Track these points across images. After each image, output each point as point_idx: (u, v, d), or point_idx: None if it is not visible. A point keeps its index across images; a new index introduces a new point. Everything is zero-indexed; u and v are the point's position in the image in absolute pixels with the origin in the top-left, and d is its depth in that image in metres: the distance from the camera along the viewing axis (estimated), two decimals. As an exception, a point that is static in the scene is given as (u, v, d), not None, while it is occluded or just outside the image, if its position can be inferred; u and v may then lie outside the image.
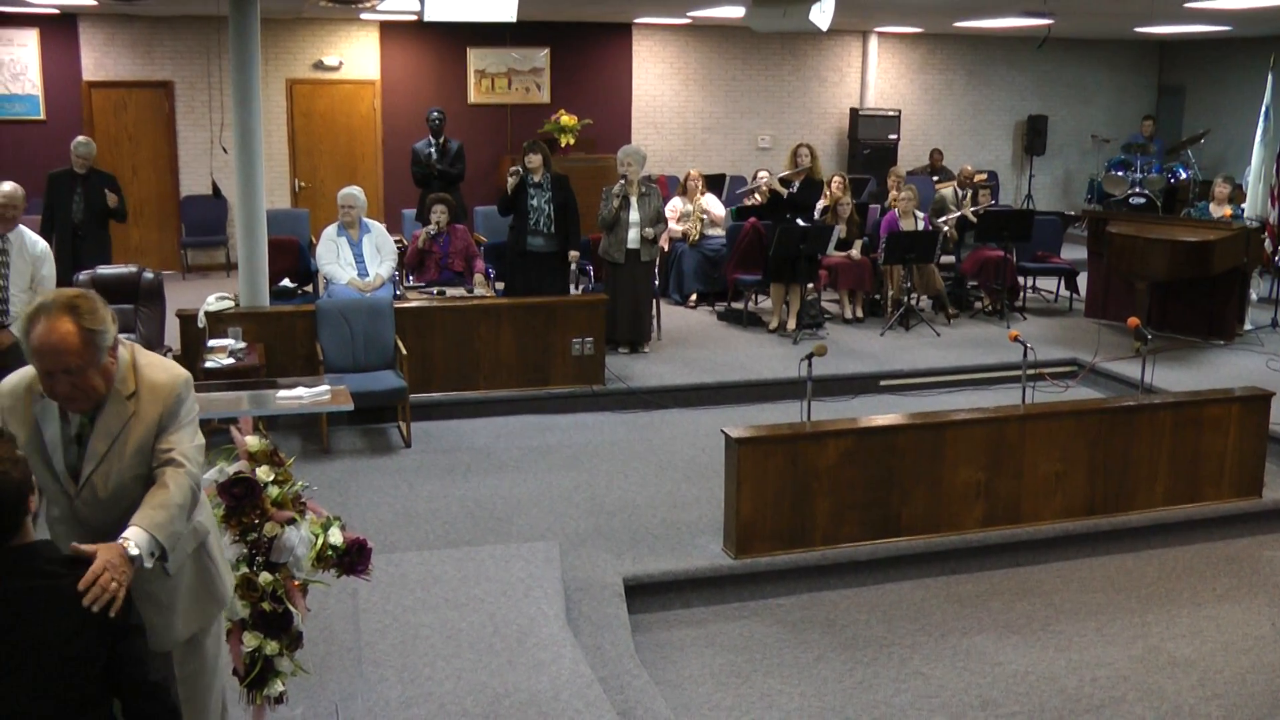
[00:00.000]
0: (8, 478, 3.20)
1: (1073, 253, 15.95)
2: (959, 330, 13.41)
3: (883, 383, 11.51)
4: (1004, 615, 7.25)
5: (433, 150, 13.88)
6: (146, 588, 3.86)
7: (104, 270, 10.37)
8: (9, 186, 8.33)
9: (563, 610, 6.61)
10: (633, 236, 11.83)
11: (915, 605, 7.38)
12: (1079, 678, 6.50)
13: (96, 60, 16.49)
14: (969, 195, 14.79)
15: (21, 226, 8.38)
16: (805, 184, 12.91)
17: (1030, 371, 9.19)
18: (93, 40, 16.41)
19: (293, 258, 12.47)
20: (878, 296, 14.06)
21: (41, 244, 8.45)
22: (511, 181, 11.43)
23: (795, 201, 12.87)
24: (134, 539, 3.54)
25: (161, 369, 3.92)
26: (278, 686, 4.86)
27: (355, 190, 11.24)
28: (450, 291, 11.37)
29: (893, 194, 14.87)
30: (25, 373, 3.86)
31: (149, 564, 3.59)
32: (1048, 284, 15.52)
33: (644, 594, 7.18)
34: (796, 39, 19.21)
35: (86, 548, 3.39)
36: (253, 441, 4.85)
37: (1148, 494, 8.42)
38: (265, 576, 4.69)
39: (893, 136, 19.68)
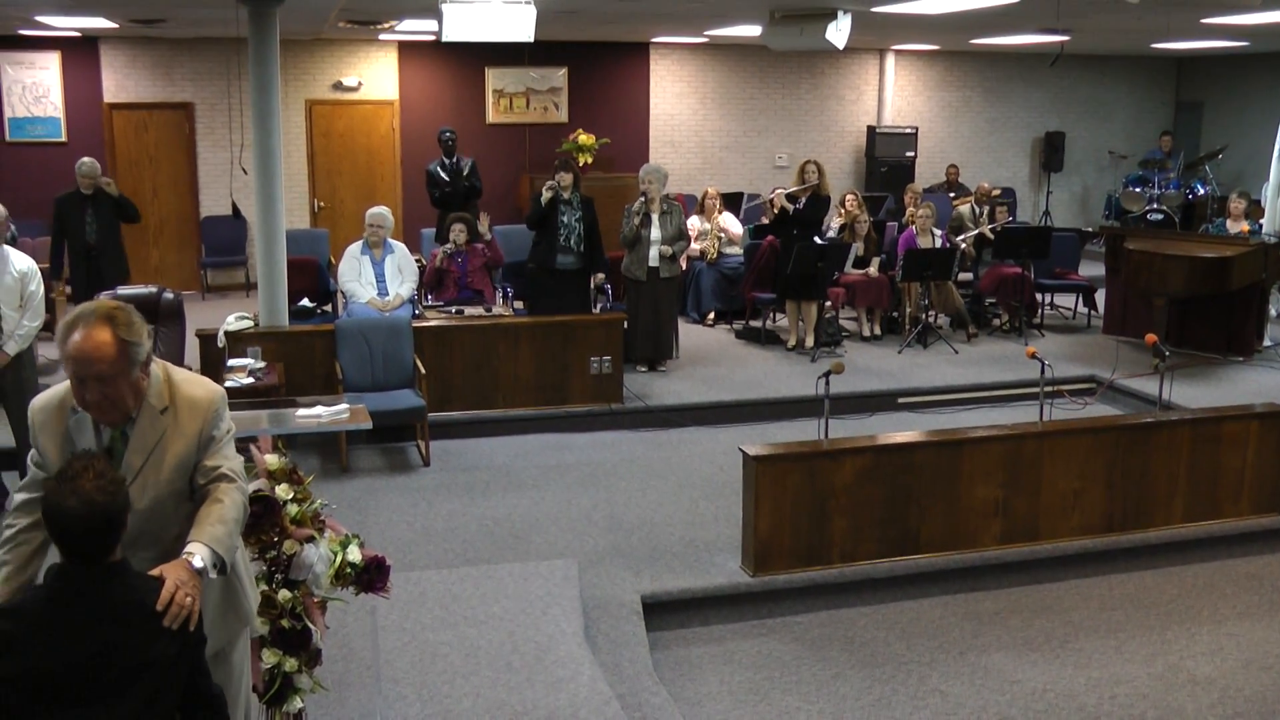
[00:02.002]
0: (114, 499, 3.32)
1: (1090, 269, 15.90)
2: (977, 347, 13.40)
3: (900, 400, 11.51)
4: (1022, 632, 7.24)
5: (444, 170, 13.92)
6: None
7: (124, 290, 10.41)
8: None
9: (581, 628, 6.62)
10: (654, 254, 11.87)
11: (933, 623, 7.37)
12: (1098, 695, 6.48)
13: (118, 82, 16.61)
14: (986, 212, 14.79)
15: (5, 247, 8.43)
16: (812, 200, 12.90)
17: (1048, 388, 9.19)
18: (114, 63, 16.53)
19: (312, 277, 12.52)
20: (895, 314, 14.06)
21: (27, 261, 8.49)
22: (547, 195, 11.51)
23: (801, 217, 12.86)
24: (198, 553, 3.62)
25: (198, 385, 3.98)
26: (297, 703, 4.86)
27: (384, 210, 11.33)
28: (469, 310, 11.40)
29: (910, 211, 14.88)
30: (59, 389, 3.91)
31: (212, 575, 3.68)
32: (1065, 301, 15.51)
33: (662, 612, 7.19)
34: (814, 57, 19.24)
35: (155, 571, 3.50)
36: (272, 460, 4.87)
37: (1166, 511, 8.39)
38: (284, 594, 4.70)
39: (910, 154, 19.69)
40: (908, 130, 19.77)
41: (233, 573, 4.14)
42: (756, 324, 13.78)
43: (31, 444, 3.97)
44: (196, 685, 3.44)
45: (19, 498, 4.04)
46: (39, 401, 3.96)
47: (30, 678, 3.26)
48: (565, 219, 11.59)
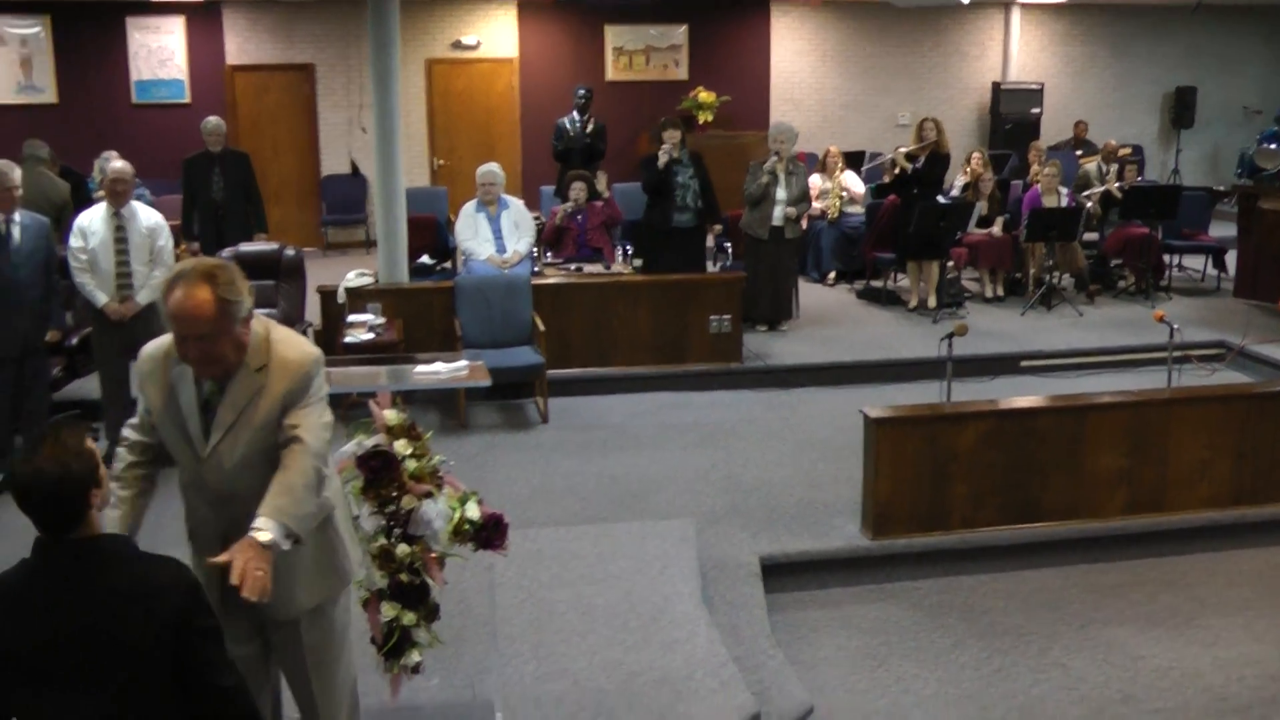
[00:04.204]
0: (68, 470, 3.18)
1: (1221, 230, 15.48)
2: (1101, 310, 13.15)
3: (1023, 363, 11.29)
4: (1146, 607, 7.06)
5: (577, 126, 13.90)
6: (275, 557, 3.95)
7: (246, 247, 10.59)
8: (120, 163, 8.60)
9: (698, 588, 6.59)
10: (778, 214, 11.79)
11: (1054, 593, 7.23)
12: (1225, 675, 6.29)
13: (239, 45, 16.86)
14: (1113, 170, 14.47)
15: (135, 202, 8.61)
16: (931, 158, 12.69)
17: (1176, 354, 8.97)
18: (236, 25, 16.78)
19: (431, 235, 12.61)
20: (1018, 275, 13.83)
21: (155, 216, 8.67)
22: (663, 160, 11.44)
23: (920, 176, 12.67)
24: (265, 528, 3.62)
25: (294, 346, 3.98)
26: (414, 657, 4.89)
27: (494, 167, 11.31)
28: (588, 268, 11.40)
29: (1034, 169, 14.61)
30: (165, 340, 3.95)
31: (286, 547, 3.67)
32: (1194, 262, 15.09)
33: (779, 574, 7.13)
34: (936, 13, 18.94)
35: (223, 557, 3.52)
36: (391, 415, 4.89)
37: (1299, 483, 8.14)
38: (403, 548, 4.73)
39: (1035, 110, 19.30)
40: (1033, 86, 19.38)
41: (331, 529, 4.16)
42: (877, 284, 13.63)
43: (139, 390, 4.02)
44: (201, 678, 3.27)
45: (128, 434, 4.13)
46: (146, 350, 4.02)
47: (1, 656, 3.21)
48: (680, 178, 11.53)
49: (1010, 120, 19.16)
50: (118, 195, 8.43)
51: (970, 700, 6.03)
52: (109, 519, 3.90)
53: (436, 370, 7.29)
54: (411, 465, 4.80)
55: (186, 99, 16.73)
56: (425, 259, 11.89)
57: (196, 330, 3.69)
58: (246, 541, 3.57)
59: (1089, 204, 13.86)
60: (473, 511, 4.92)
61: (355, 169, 16.27)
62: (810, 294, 13.51)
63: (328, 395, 4.07)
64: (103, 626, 3.17)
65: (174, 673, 3.23)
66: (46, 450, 3.21)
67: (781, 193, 11.78)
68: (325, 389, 4.04)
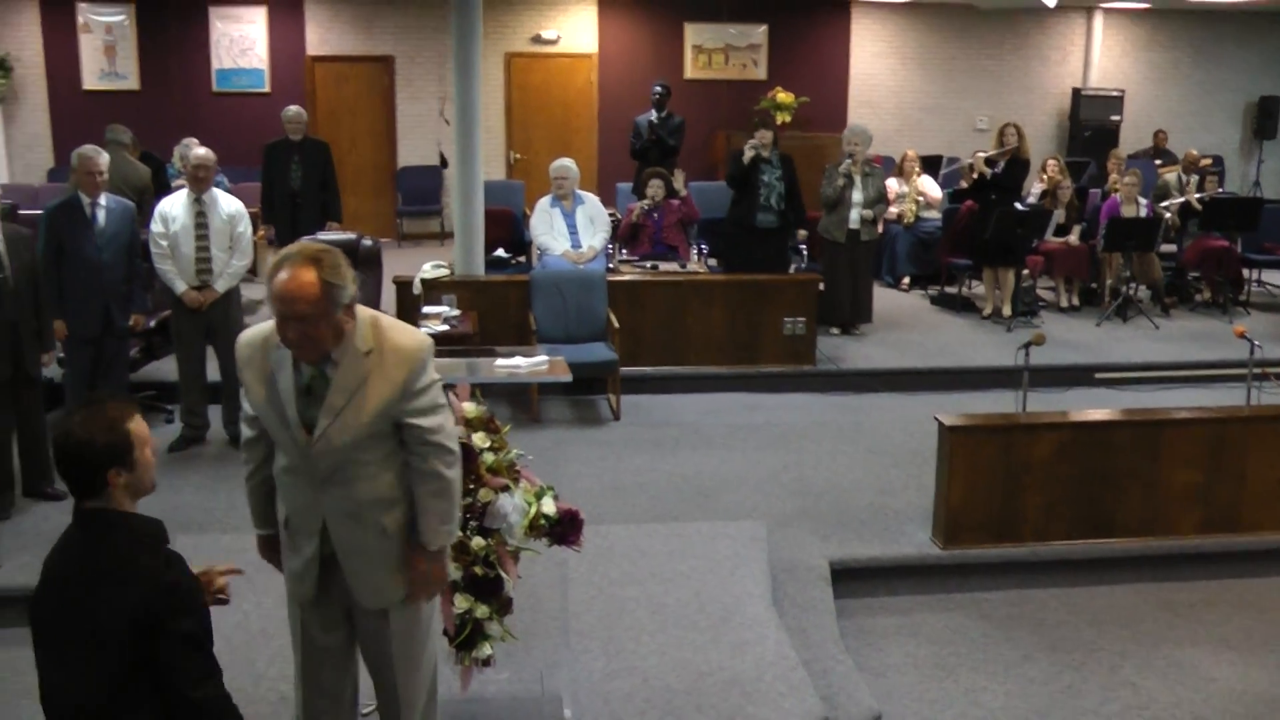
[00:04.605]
0: (92, 441, 3.24)
1: (1304, 245, 15.24)
2: (1177, 323, 12.99)
3: (1097, 375, 11.16)
4: (1220, 628, 6.96)
5: (654, 124, 13.90)
6: (371, 546, 4.05)
7: (324, 235, 10.65)
8: (202, 150, 8.71)
9: (769, 590, 6.59)
10: (854, 217, 11.76)
11: (1126, 610, 7.15)
12: (1299, 699, 6.20)
13: (320, 36, 17.03)
14: (1193, 181, 14.30)
15: (215, 189, 8.73)
16: (1010, 164, 12.56)
17: (1255, 370, 8.84)
18: (318, 17, 16.96)
19: (507, 228, 12.64)
20: (1094, 285, 13.70)
21: (235, 204, 8.79)
22: (749, 154, 11.47)
23: (1000, 182, 12.55)
24: (431, 544, 4.08)
25: (406, 333, 4.04)
26: (486, 650, 4.91)
27: (568, 162, 11.33)
28: (663, 266, 11.39)
29: (1113, 178, 14.46)
30: (265, 325, 4.00)
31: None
32: (1275, 277, 14.86)
33: (849, 579, 7.11)
34: (1018, 17, 18.79)
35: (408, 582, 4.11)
36: (470, 408, 4.91)
37: (1381, 505, 7.99)
38: (478, 541, 4.75)
39: (1115, 118, 19.09)
40: (1114, 93, 19.18)
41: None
42: (952, 290, 13.56)
43: (238, 377, 4.06)
44: (170, 682, 3.23)
45: (245, 430, 4.24)
46: (245, 336, 4.06)
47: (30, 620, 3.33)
48: (766, 177, 11.54)
49: (1089, 127, 18.98)
50: (199, 182, 8.54)
51: (1039, 716, 5.98)
52: (251, 510, 4.26)
53: (517, 364, 7.31)
54: (489, 458, 4.83)
55: (266, 88, 16.93)
56: (500, 252, 11.95)
57: (298, 311, 3.74)
58: (419, 563, 4.09)
59: (1168, 215, 13.71)
60: (549, 506, 4.95)
61: (444, 160, 16.35)
62: (884, 298, 13.43)
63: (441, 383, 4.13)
64: (78, 598, 3.23)
65: (146, 668, 3.23)
66: (83, 416, 3.29)
67: (857, 195, 11.74)
68: (437, 377, 4.09)
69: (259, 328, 4.04)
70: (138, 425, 3.35)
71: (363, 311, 3.95)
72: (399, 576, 4.11)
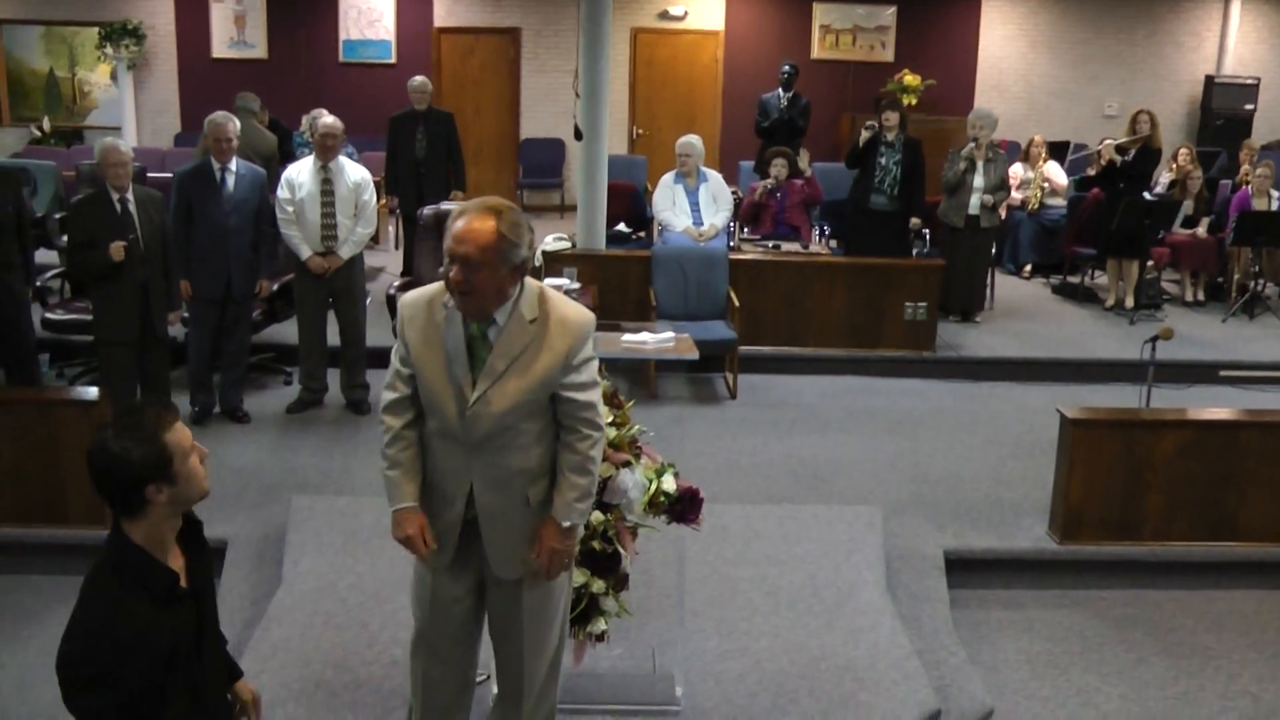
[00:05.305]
0: (126, 455, 3.03)
1: None
2: (1309, 322, 12.66)
3: (1221, 373, 10.86)
4: (1347, 637, 6.77)
5: (782, 104, 13.81)
6: (514, 514, 4.08)
7: (447, 205, 10.70)
8: (330, 119, 8.82)
9: (883, 577, 6.53)
10: (974, 202, 11.61)
11: (1247, 617, 6.96)
12: None
13: (448, 7, 17.17)
14: (1330, 175, 13.92)
15: (342, 157, 8.83)
16: (1142, 153, 12.27)
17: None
18: (444, -13, 17.07)
19: (628, 203, 12.65)
20: (1221, 279, 13.39)
21: (361, 172, 8.90)
22: (865, 135, 11.42)
23: (1130, 171, 12.28)
24: (564, 520, 4.08)
25: (572, 306, 4.05)
26: (600, 625, 4.91)
27: (693, 139, 11.28)
28: (785, 246, 11.33)
29: (1245, 169, 14.11)
30: (431, 286, 4.03)
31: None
32: None
33: (963, 569, 7.01)
34: (1152, 1, 18.38)
35: (533, 553, 4.10)
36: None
37: None
38: (597, 516, 4.74)
39: (1249, 107, 18.58)
40: (1249, 81, 18.66)
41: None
42: (1075, 280, 13.31)
43: (397, 336, 4.07)
44: None
45: (388, 396, 4.15)
46: (409, 296, 4.08)
47: None
48: (883, 160, 11.45)
49: (1222, 116, 18.50)
50: (326, 150, 8.65)
51: None
52: (393, 483, 4.09)
53: (644, 340, 7.30)
54: (611, 433, 4.82)
55: (392, 59, 17.13)
56: (622, 227, 11.96)
57: (465, 252, 3.74)
58: (552, 529, 4.07)
59: (1303, 209, 13.37)
60: (669, 484, 4.94)
61: (579, 133, 16.40)
62: (1005, 286, 13.27)
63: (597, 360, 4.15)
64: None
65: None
66: (119, 426, 3.07)
67: (979, 180, 11.59)
68: (594, 354, 4.10)
69: (424, 289, 4.06)
70: (177, 434, 3.12)
71: (531, 282, 3.97)
72: (534, 548, 4.13)
